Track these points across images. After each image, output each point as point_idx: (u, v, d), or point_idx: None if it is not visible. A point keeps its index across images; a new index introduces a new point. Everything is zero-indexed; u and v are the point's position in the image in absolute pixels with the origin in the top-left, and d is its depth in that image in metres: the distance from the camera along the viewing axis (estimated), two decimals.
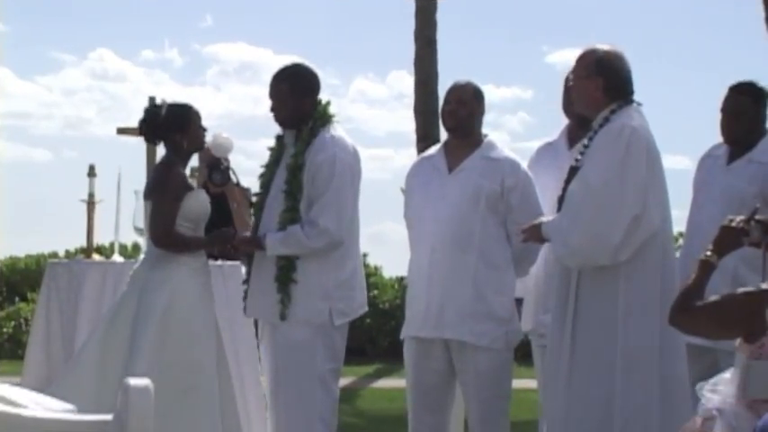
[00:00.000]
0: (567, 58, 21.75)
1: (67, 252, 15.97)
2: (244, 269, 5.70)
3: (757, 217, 3.77)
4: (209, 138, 5.76)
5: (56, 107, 24.19)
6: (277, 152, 5.58)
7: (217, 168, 6.05)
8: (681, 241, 5.93)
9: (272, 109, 5.49)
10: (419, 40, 13.87)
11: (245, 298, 5.59)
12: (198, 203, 5.45)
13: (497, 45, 24.39)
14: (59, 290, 6.34)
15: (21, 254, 16.86)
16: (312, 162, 5.35)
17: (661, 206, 4.75)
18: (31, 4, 22.68)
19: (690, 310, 3.65)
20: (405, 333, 5.48)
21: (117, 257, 6.84)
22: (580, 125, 5.25)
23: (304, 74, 5.55)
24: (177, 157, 5.51)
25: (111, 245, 7.31)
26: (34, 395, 3.56)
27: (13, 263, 16.53)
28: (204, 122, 5.57)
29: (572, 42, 23.46)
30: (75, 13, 23.75)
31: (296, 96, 5.43)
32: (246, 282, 5.58)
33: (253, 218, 5.65)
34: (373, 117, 24.40)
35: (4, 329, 14.37)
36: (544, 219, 4.94)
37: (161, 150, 5.70)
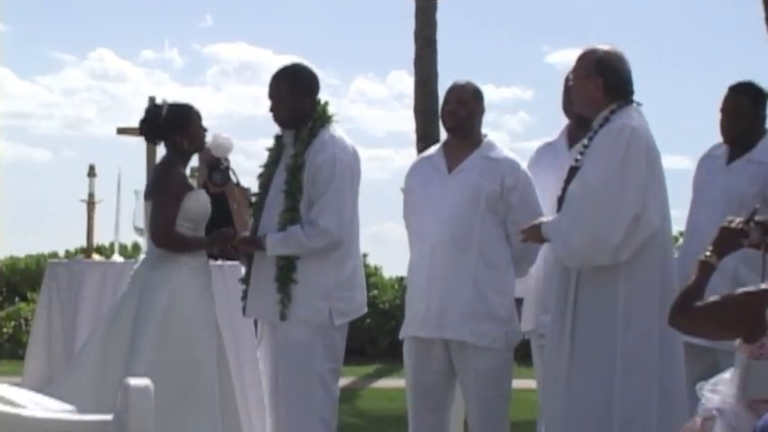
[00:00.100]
0: (567, 58, 21.79)
1: (67, 252, 15.96)
2: (243, 269, 5.70)
3: (756, 218, 3.76)
4: (209, 138, 5.76)
5: (56, 107, 24.21)
6: (276, 152, 5.58)
7: (217, 168, 6.06)
8: (680, 241, 5.92)
9: (272, 109, 5.49)
10: (419, 40, 13.87)
11: (243, 298, 5.59)
12: (198, 203, 5.46)
13: (497, 45, 24.42)
14: (60, 290, 6.35)
15: (21, 254, 16.89)
16: (312, 162, 5.35)
17: (661, 206, 4.75)
18: (31, 4, 22.71)
19: (690, 311, 3.64)
20: (404, 333, 5.48)
21: (117, 257, 6.85)
22: (580, 125, 5.24)
23: (303, 74, 5.55)
24: (177, 157, 5.51)
25: (112, 245, 7.32)
26: (34, 395, 3.56)
27: (13, 263, 16.52)
28: (204, 122, 5.58)
29: (572, 42, 23.52)
30: (75, 13, 23.78)
31: (295, 96, 5.43)
32: (245, 281, 5.58)
33: (252, 218, 5.65)
34: (373, 117, 24.42)
35: (4, 329, 14.37)
36: (544, 219, 4.94)
37: (161, 150, 5.70)
